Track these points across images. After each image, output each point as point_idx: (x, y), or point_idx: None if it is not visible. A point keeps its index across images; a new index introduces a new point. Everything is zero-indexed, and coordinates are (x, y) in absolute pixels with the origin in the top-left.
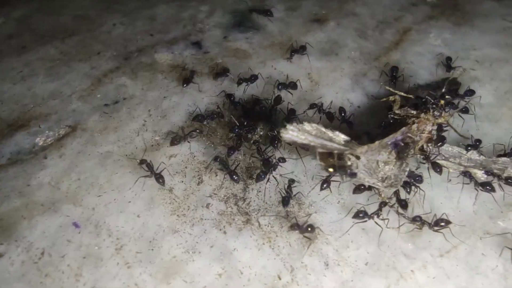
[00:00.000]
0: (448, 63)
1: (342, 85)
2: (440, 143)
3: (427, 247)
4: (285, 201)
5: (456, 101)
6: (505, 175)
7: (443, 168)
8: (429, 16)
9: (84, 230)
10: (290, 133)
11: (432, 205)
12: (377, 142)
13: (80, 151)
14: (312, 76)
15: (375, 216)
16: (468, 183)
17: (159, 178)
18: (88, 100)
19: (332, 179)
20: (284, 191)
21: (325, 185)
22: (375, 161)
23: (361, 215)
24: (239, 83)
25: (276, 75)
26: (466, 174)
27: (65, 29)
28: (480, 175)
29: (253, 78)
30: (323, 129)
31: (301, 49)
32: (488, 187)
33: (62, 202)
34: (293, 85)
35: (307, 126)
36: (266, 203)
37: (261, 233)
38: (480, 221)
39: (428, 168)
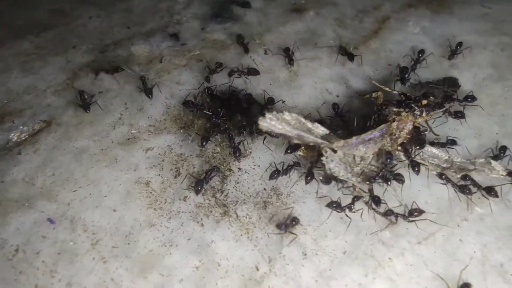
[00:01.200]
0: (453, 50)
1: (321, 75)
2: (420, 147)
3: (404, 235)
4: (273, 174)
5: (450, 104)
6: (485, 185)
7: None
8: (408, 4)
9: (59, 225)
10: (268, 121)
11: (410, 193)
12: (354, 137)
13: (55, 146)
14: (291, 66)
15: (347, 209)
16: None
17: (148, 91)
18: (63, 95)
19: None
20: (280, 167)
21: (309, 178)
22: (351, 156)
23: (334, 205)
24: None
25: (254, 66)
26: (442, 176)
27: (40, 23)
28: (457, 178)
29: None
30: (303, 120)
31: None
32: (466, 191)
33: (36, 198)
34: (254, 72)
35: (287, 115)
36: (244, 194)
37: (239, 225)
38: (458, 207)
39: (408, 165)
